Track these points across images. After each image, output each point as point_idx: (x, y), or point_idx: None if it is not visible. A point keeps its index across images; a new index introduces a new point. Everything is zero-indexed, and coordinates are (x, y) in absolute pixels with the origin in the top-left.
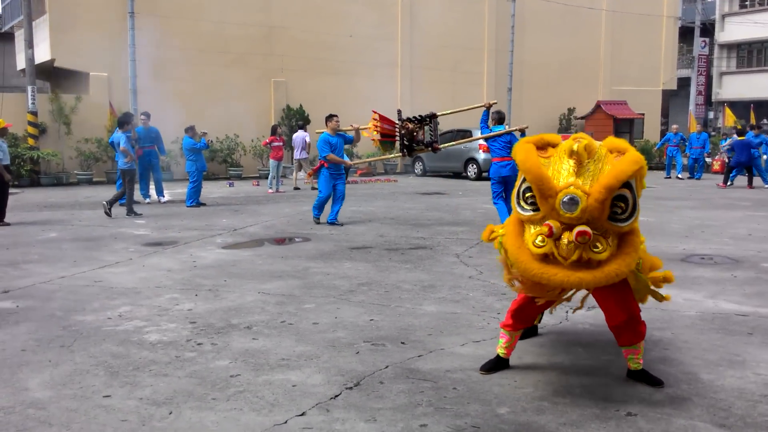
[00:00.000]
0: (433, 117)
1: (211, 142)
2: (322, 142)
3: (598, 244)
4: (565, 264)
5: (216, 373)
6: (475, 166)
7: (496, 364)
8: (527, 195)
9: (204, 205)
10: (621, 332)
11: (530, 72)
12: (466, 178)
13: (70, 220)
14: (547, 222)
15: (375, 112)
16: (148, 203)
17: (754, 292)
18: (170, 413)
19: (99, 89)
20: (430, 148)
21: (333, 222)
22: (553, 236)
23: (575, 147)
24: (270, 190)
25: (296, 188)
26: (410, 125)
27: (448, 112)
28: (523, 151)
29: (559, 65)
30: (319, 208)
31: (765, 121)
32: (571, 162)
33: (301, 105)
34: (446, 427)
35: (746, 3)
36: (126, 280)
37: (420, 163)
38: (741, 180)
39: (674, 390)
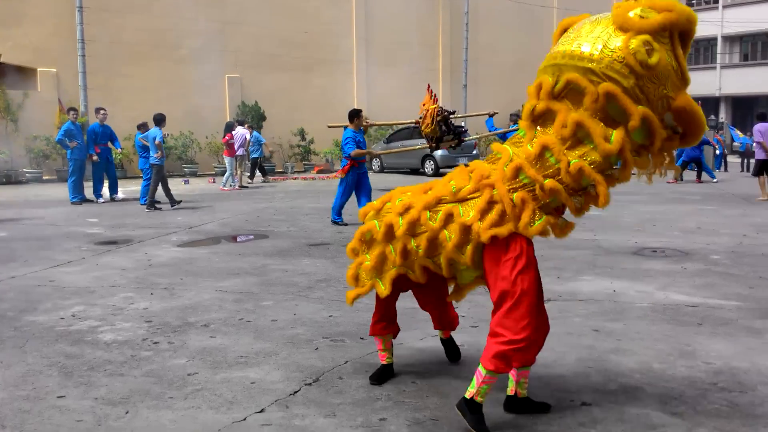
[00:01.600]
0: (451, 113)
1: (166, 136)
2: (348, 139)
3: None
4: None
5: (173, 372)
6: (432, 162)
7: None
8: None
9: (158, 203)
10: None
11: (485, 69)
12: (423, 174)
13: (20, 219)
14: None
15: (429, 88)
16: (102, 203)
17: (703, 283)
18: (126, 413)
19: (47, 85)
20: (457, 140)
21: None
22: None
23: None
24: (223, 188)
25: (242, 186)
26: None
27: (459, 116)
28: None
29: (513, 62)
30: (339, 212)
31: (712, 117)
32: None
33: (256, 101)
34: (405, 420)
35: (692, 1)
36: (79, 279)
37: (377, 160)
38: (688, 174)
39: (627, 380)
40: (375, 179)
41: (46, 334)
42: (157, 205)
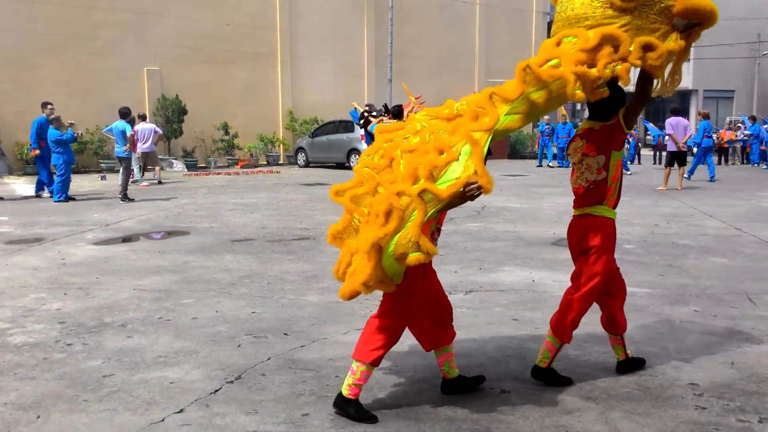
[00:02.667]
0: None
1: (80, 134)
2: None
3: None
4: None
5: (88, 374)
6: (357, 156)
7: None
8: None
9: (73, 199)
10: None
11: (410, 64)
12: (349, 168)
13: None
14: None
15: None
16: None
17: None
18: (38, 417)
19: None
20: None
21: None
22: None
23: None
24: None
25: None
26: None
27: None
28: None
29: (438, 57)
30: None
31: None
32: None
33: (177, 95)
34: (328, 414)
35: None
36: None
37: (303, 154)
38: None
39: None
40: (300, 174)
41: None
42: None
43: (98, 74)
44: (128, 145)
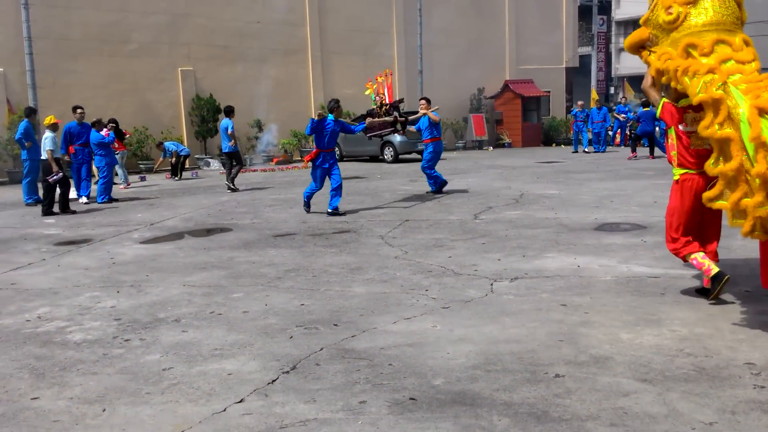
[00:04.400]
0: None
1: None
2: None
3: None
4: None
5: (147, 368)
6: (391, 149)
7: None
8: None
9: (116, 200)
10: None
11: (439, 54)
12: (383, 161)
13: None
14: None
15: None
16: (85, 203)
17: (662, 255)
18: (103, 410)
19: None
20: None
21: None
22: None
23: None
24: (121, 186)
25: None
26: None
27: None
28: None
29: (467, 46)
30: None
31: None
32: None
33: (211, 94)
34: (384, 401)
35: None
36: (41, 281)
37: (336, 149)
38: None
39: (597, 350)
40: None
41: (13, 337)
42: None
43: (134, 76)
44: (233, 141)
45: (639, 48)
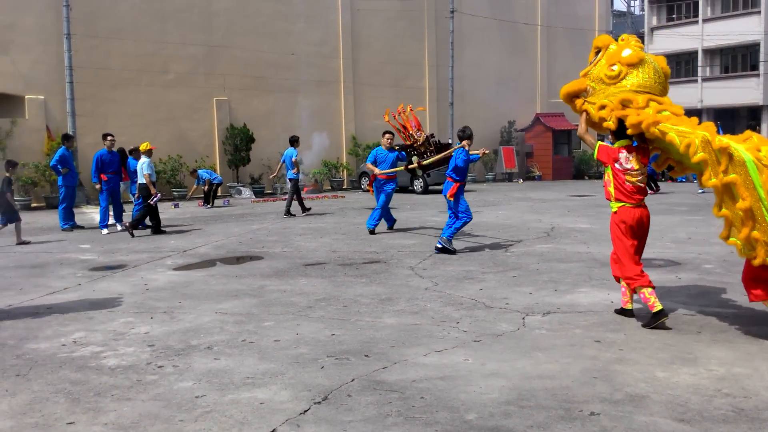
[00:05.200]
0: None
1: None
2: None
3: None
4: None
5: (181, 395)
6: (421, 180)
7: None
8: None
9: (150, 227)
10: None
11: (471, 86)
12: (413, 192)
13: (11, 247)
14: None
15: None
16: (107, 233)
17: (698, 292)
18: None
19: (35, 113)
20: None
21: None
22: None
23: None
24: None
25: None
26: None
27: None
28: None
29: (499, 79)
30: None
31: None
32: None
33: (245, 124)
34: None
35: (673, 16)
36: (77, 305)
37: (366, 179)
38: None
39: (633, 389)
40: (364, 198)
41: (49, 361)
42: (292, 213)
43: (170, 106)
44: (296, 168)
45: (573, 97)
